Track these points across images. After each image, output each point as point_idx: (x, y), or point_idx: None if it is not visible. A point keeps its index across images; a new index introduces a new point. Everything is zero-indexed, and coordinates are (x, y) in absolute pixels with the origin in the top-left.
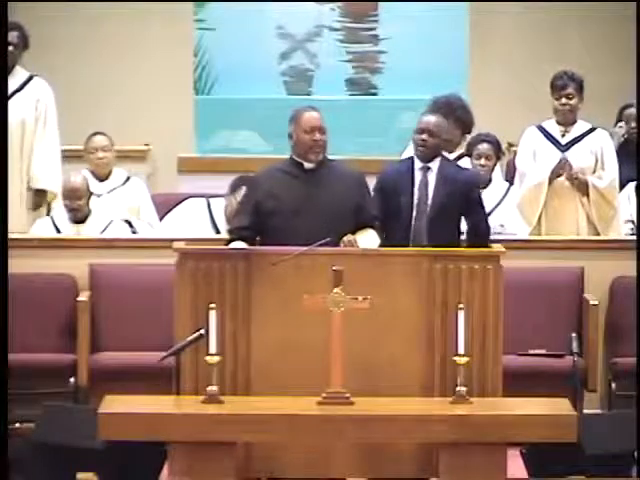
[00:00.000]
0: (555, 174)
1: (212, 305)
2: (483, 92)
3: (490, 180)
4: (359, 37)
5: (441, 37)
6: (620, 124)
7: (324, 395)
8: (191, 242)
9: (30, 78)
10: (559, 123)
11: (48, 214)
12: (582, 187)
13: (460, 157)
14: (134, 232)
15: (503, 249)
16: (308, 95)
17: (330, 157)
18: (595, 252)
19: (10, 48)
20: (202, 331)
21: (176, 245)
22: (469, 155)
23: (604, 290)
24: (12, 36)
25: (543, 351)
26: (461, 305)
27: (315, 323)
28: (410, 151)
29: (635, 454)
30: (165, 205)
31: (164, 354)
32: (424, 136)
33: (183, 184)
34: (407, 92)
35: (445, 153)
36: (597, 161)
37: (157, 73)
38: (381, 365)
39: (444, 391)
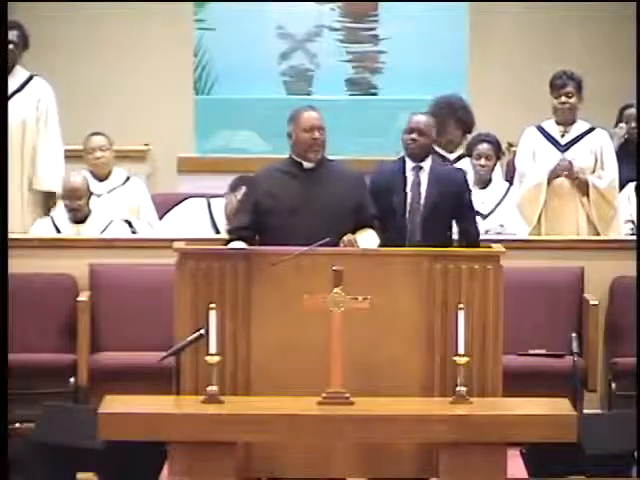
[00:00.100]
0: (555, 174)
1: (212, 305)
2: (483, 92)
3: (490, 180)
4: (359, 37)
5: (441, 37)
6: (621, 125)
7: (324, 395)
8: (191, 242)
9: (30, 78)
10: (558, 123)
11: (48, 214)
12: (582, 187)
13: (460, 157)
14: (134, 232)
15: (503, 249)
16: (308, 95)
17: (330, 157)
18: (595, 252)
19: (10, 47)
20: (202, 331)
21: (176, 245)
22: (469, 155)
23: (604, 290)
24: (12, 35)
25: (543, 351)
26: (461, 305)
27: (315, 323)
28: None
29: (635, 454)
30: (165, 205)
31: (164, 354)
32: (414, 135)
33: (183, 184)
34: (407, 92)
35: (445, 153)
36: (597, 161)
37: (157, 73)
38: (381, 365)
39: (444, 391)
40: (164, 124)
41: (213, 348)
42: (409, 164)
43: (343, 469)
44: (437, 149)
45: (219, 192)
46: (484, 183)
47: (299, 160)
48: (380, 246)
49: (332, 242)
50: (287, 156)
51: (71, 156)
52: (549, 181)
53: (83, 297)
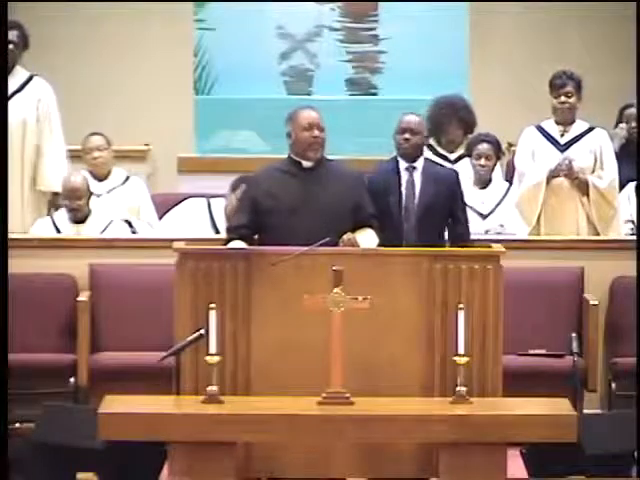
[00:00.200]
0: (555, 173)
1: (212, 305)
2: (483, 92)
3: (490, 180)
4: (359, 37)
5: (441, 37)
6: (621, 125)
7: (324, 395)
8: (191, 242)
9: (30, 78)
10: (558, 123)
11: (48, 214)
12: (582, 187)
13: (461, 157)
14: (134, 232)
15: (503, 249)
16: (308, 95)
17: (329, 157)
18: (595, 252)
19: (10, 47)
20: (202, 331)
21: (176, 245)
22: (469, 155)
23: (604, 290)
24: (12, 35)
25: (543, 351)
26: (461, 305)
27: (315, 323)
28: None
29: (635, 454)
30: (165, 205)
31: (164, 354)
32: (407, 135)
33: (183, 184)
34: (407, 92)
35: (446, 153)
36: (596, 160)
37: (157, 73)
38: (381, 365)
39: (444, 391)
40: (164, 124)
41: (213, 348)
42: (402, 164)
43: (343, 469)
44: (438, 149)
45: (219, 192)
46: (484, 183)
47: (298, 159)
48: (379, 246)
49: (332, 242)
50: (286, 156)
51: (71, 156)
52: (548, 180)
53: (83, 297)
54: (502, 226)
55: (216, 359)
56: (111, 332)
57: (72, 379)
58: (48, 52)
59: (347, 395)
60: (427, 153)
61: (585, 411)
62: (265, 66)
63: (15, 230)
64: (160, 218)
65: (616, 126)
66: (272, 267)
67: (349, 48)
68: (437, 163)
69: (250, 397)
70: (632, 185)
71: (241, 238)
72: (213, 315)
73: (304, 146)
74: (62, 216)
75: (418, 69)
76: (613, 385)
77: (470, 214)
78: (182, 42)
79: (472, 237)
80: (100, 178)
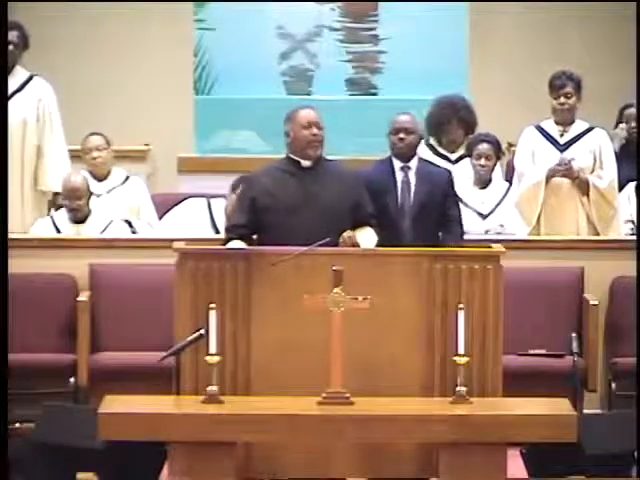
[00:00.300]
0: (554, 173)
1: (212, 305)
2: (483, 92)
3: (490, 180)
4: (359, 37)
5: (441, 37)
6: (621, 125)
7: (324, 395)
8: (191, 242)
9: (30, 78)
10: (557, 123)
11: (48, 214)
12: (583, 187)
13: (462, 157)
14: (134, 232)
15: (503, 249)
16: (308, 95)
17: (329, 157)
18: (595, 252)
19: (10, 47)
20: (202, 331)
21: (176, 245)
22: (469, 155)
23: (604, 290)
24: (12, 35)
25: (543, 351)
26: (461, 305)
27: (315, 323)
28: None
29: (635, 454)
30: (165, 205)
31: (164, 354)
32: (401, 135)
33: (183, 184)
34: (407, 92)
35: (447, 153)
36: (595, 160)
37: (157, 73)
38: (381, 365)
39: (444, 391)
40: (164, 124)
41: (213, 348)
42: (397, 164)
43: (343, 469)
44: (439, 149)
45: (219, 192)
46: (484, 183)
47: (297, 159)
48: (378, 245)
49: (332, 242)
50: (284, 155)
51: (72, 156)
52: (548, 180)
53: (83, 297)
54: (502, 226)
55: (216, 359)
56: (111, 332)
57: (72, 379)
58: (48, 52)
59: (347, 395)
60: (428, 153)
61: (585, 411)
62: (265, 66)
63: (15, 230)
64: (160, 218)
65: (616, 126)
66: (272, 267)
67: (349, 48)
68: (431, 163)
69: (250, 397)
70: (632, 185)
71: (240, 238)
72: (213, 315)
73: (303, 144)
74: (62, 216)
75: (418, 69)
76: (613, 385)
77: (470, 214)
78: (182, 42)
79: (472, 237)
80: (100, 178)
